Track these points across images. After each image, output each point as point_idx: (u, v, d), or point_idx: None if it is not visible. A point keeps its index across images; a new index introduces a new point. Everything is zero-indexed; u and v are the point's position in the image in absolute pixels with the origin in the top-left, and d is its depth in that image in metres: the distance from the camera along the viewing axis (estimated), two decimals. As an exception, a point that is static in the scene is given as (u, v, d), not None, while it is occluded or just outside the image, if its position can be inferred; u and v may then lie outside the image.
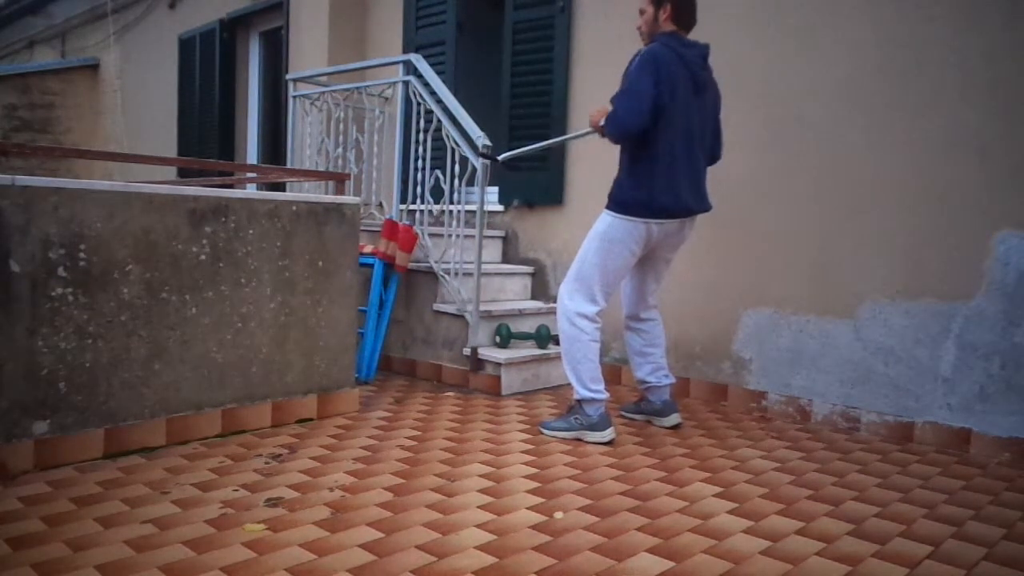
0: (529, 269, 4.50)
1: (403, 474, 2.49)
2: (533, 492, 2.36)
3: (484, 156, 3.61)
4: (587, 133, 3.21)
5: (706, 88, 2.99)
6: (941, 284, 3.06)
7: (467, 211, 3.84)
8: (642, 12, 2.99)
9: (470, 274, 3.79)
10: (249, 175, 5.09)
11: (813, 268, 3.41)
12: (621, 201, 2.94)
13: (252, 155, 6.87)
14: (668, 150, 2.87)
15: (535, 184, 4.42)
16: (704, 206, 3.05)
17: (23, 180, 2.30)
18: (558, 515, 2.18)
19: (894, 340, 3.18)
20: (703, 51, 2.97)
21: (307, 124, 4.76)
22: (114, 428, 2.53)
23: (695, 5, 2.97)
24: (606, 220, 2.97)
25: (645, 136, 2.85)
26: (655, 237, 2.97)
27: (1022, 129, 2.88)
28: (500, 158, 3.46)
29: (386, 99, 4.60)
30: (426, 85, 4.00)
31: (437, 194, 4.04)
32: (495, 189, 4.65)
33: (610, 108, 2.88)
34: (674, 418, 3.20)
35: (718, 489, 2.46)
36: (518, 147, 3.39)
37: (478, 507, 2.21)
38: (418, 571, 1.80)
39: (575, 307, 2.99)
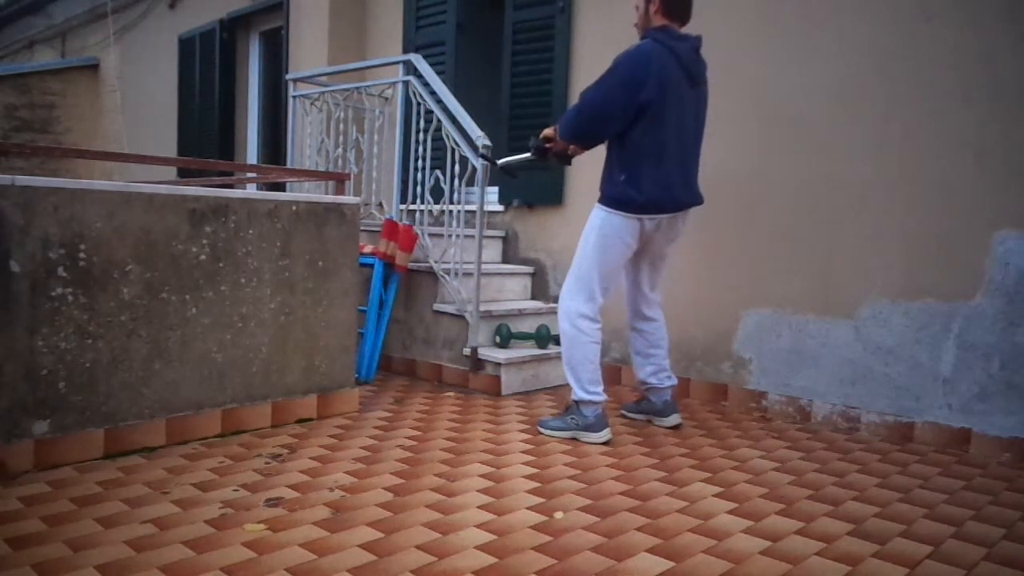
0: (529, 269, 4.50)
1: (403, 474, 2.49)
2: (533, 492, 2.36)
3: (483, 158, 3.62)
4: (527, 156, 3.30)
5: (700, 81, 2.98)
6: (941, 284, 3.06)
7: (467, 211, 3.84)
8: (636, 8, 3.00)
9: (470, 274, 3.79)
10: (249, 175, 5.09)
11: (813, 268, 3.40)
12: (612, 196, 2.93)
13: (252, 155, 6.87)
14: (657, 146, 2.86)
15: (535, 184, 4.42)
16: (695, 200, 3.05)
17: (23, 180, 2.30)
18: (558, 515, 2.18)
19: (894, 340, 3.18)
20: (695, 43, 2.96)
21: (307, 124, 4.76)
22: (114, 428, 2.53)
23: None
24: (599, 216, 2.97)
25: (630, 132, 2.86)
26: (647, 231, 2.97)
27: (1022, 129, 2.88)
28: (499, 163, 3.46)
29: (386, 99, 4.60)
30: (426, 85, 4.00)
31: (437, 194, 4.04)
32: (495, 189, 4.65)
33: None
34: (674, 418, 3.20)
35: (718, 489, 2.46)
36: (517, 150, 3.39)
37: (478, 507, 2.22)
38: (418, 571, 1.80)
39: (576, 307, 2.99)
